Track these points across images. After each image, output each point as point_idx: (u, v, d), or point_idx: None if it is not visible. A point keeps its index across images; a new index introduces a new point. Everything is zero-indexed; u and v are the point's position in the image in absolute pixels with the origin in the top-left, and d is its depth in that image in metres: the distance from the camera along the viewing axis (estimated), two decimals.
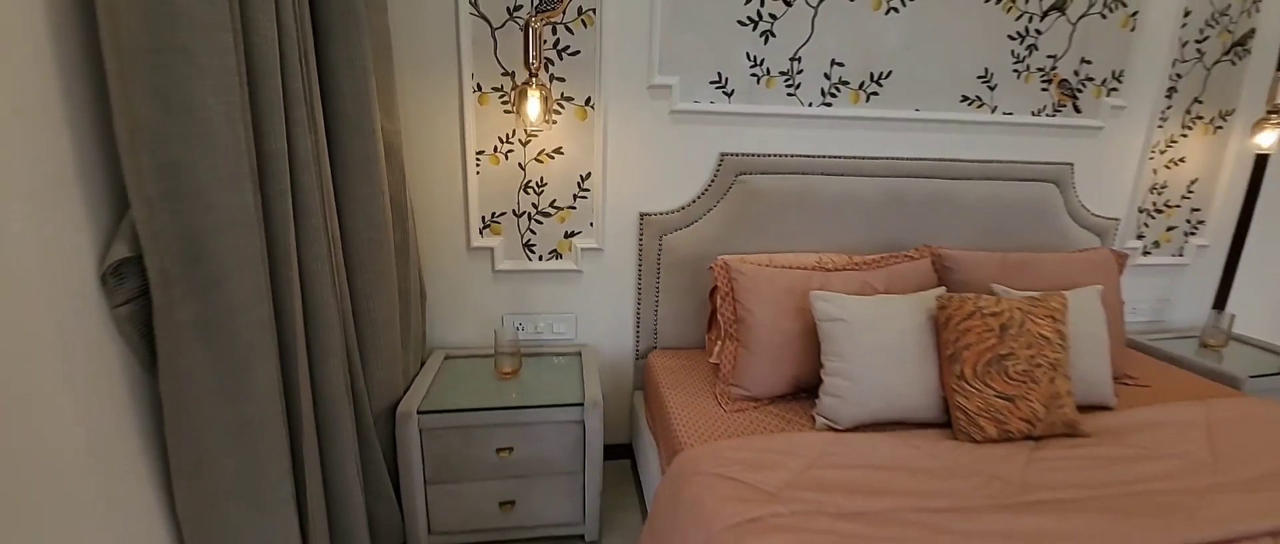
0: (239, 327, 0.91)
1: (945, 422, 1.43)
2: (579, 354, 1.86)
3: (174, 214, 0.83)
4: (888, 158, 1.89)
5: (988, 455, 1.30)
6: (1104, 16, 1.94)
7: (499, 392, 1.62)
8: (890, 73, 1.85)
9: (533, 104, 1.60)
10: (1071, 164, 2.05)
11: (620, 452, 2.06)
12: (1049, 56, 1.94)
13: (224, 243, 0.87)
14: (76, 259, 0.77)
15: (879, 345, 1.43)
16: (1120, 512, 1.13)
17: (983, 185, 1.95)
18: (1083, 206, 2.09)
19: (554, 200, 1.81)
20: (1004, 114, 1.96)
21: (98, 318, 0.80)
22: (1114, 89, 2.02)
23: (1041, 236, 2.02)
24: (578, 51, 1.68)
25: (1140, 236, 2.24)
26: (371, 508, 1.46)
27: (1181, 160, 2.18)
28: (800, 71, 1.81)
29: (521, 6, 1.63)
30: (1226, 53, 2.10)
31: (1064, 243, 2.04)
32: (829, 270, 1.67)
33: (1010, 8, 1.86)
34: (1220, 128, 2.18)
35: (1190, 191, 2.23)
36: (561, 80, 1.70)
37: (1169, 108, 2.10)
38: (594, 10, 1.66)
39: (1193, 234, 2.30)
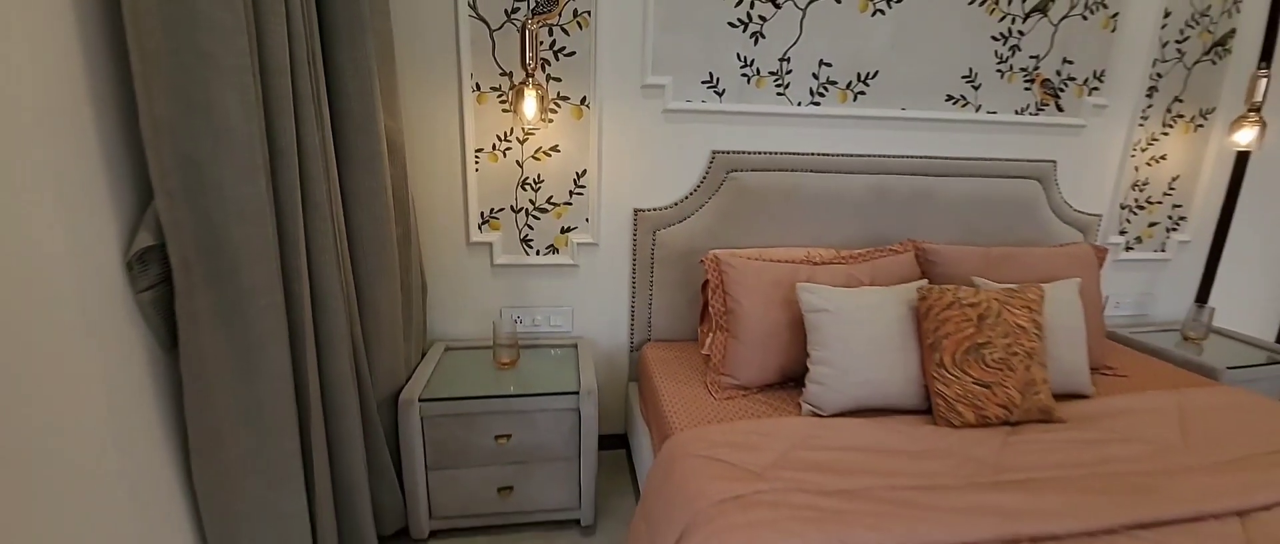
0: (253, 312, 0.97)
1: (926, 408, 1.49)
2: (575, 346, 1.92)
3: (193, 206, 0.89)
4: (874, 156, 1.95)
5: (964, 439, 1.36)
6: (1085, 18, 2.00)
7: (497, 381, 1.68)
8: (877, 73, 1.91)
9: (529, 103, 1.65)
10: (1054, 161, 2.10)
11: (616, 442, 2.12)
12: (1032, 57, 2.00)
13: (239, 233, 0.93)
14: (103, 247, 0.83)
15: (862, 335, 1.49)
16: (1089, 490, 1.19)
17: (967, 182, 2.01)
18: (1065, 203, 2.15)
19: (551, 197, 1.87)
20: (988, 113, 2.01)
21: (122, 302, 0.86)
22: (1095, 88, 2.08)
23: (1025, 232, 2.08)
24: (573, 52, 1.74)
25: (1122, 232, 2.29)
26: (375, 492, 1.52)
27: (1162, 158, 2.24)
28: (789, 72, 1.86)
29: (518, 9, 1.69)
30: (1207, 52, 2.16)
31: (1047, 238, 2.10)
32: (816, 264, 1.73)
33: (993, 9, 1.92)
34: (1201, 126, 2.24)
35: (1171, 188, 2.29)
36: (558, 80, 1.76)
37: (1149, 106, 2.15)
38: (589, 12, 1.71)
39: (1174, 230, 2.35)
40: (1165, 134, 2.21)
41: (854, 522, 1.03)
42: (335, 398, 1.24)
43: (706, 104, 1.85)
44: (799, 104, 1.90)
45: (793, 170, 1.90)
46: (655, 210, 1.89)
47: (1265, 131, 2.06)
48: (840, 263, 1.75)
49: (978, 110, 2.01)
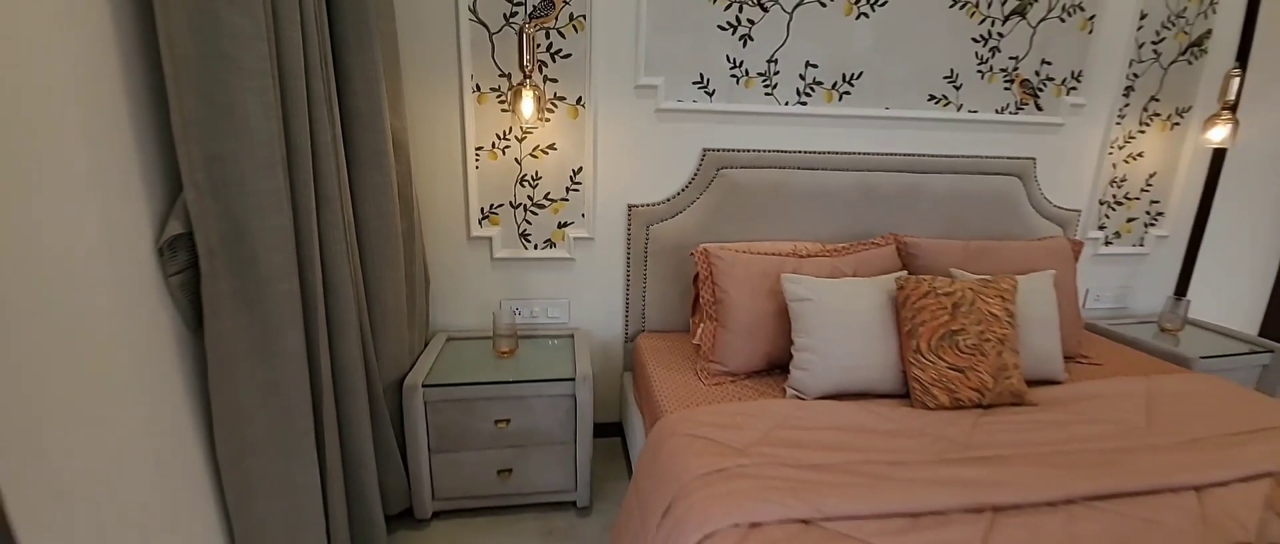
0: (271, 297, 1.05)
1: (904, 392, 1.57)
2: (572, 337, 2.00)
3: (218, 198, 0.97)
4: (860, 153, 2.03)
5: (938, 420, 1.44)
6: (1063, 20, 2.07)
7: (497, 368, 1.76)
8: (861, 73, 1.99)
9: (527, 103, 1.73)
10: (1033, 159, 2.18)
11: (611, 430, 2.20)
12: (1011, 58, 2.07)
13: (259, 224, 1.01)
14: (137, 234, 0.91)
15: (843, 323, 1.57)
16: (1052, 465, 1.27)
17: (949, 179, 2.09)
18: (1045, 199, 2.23)
19: (548, 193, 1.95)
20: (969, 112, 2.09)
21: (154, 285, 0.94)
22: (1073, 88, 2.16)
23: (1005, 227, 2.16)
24: (569, 54, 1.82)
25: (1101, 228, 2.37)
26: (381, 473, 1.60)
27: (1140, 155, 2.31)
28: (777, 73, 1.94)
29: (516, 12, 1.77)
30: (1183, 53, 2.24)
31: (1028, 233, 2.18)
32: (802, 257, 1.81)
33: (974, 12, 2.00)
34: (1177, 124, 2.32)
35: (1149, 185, 2.37)
36: (554, 81, 1.84)
37: (1126, 105, 2.23)
38: (584, 16, 1.79)
39: (1152, 225, 2.43)
40: (1142, 132, 2.29)
41: (828, 491, 1.11)
42: (345, 380, 1.32)
43: (697, 104, 1.92)
44: (786, 104, 1.98)
45: (781, 167, 1.98)
46: (648, 206, 1.97)
47: (1238, 129, 2.14)
48: (825, 256, 1.83)
49: (959, 109, 2.09)
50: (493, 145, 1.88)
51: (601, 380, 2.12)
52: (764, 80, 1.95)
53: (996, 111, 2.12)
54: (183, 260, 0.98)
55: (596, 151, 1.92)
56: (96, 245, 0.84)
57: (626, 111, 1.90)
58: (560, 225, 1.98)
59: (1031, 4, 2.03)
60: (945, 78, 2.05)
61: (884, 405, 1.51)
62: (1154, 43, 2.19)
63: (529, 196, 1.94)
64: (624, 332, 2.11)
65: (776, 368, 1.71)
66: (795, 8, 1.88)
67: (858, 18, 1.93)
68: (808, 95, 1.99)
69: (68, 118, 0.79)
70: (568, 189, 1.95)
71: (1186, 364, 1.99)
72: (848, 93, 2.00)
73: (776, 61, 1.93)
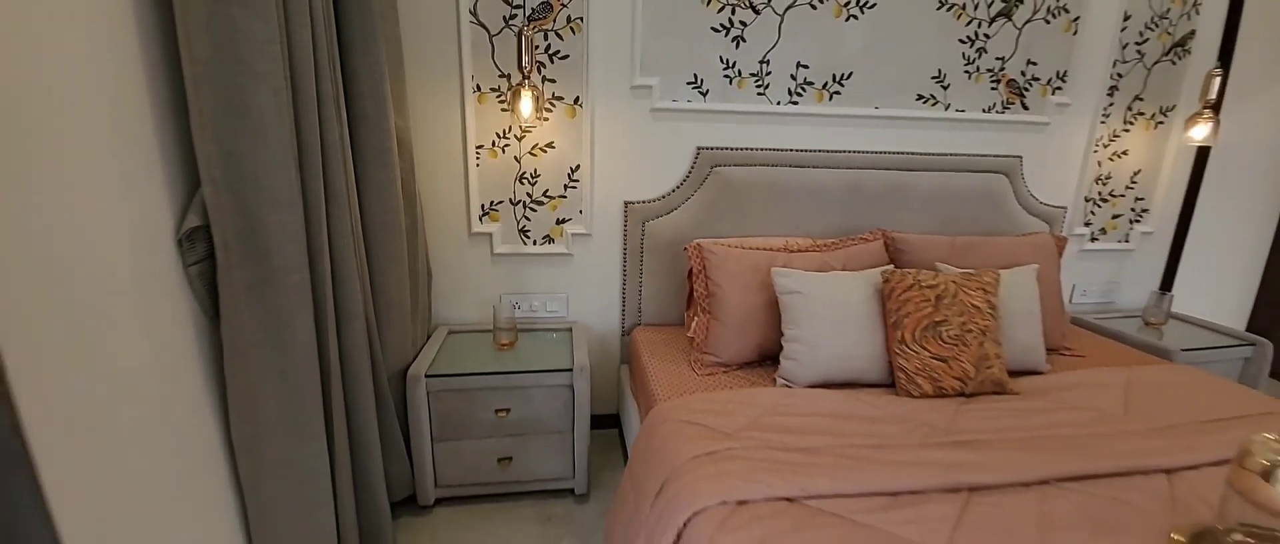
0: (283, 288, 1.11)
1: (889, 382, 1.63)
2: (570, 330, 2.06)
3: (233, 193, 1.03)
4: (850, 151, 2.09)
5: (921, 407, 1.50)
6: (1048, 21, 2.13)
7: (497, 360, 1.81)
8: (851, 74, 2.05)
9: (526, 103, 1.79)
10: (1020, 157, 2.24)
11: (609, 422, 2.26)
12: (997, 58, 2.13)
13: (272, 218, 1.07)
14: (158, 225, 0.97)
15: (831, 315, 1.62)
16: (1028, 449, 1.32)
17: (938, 176, 2.15)
18: (1032, 196, 2.28)
19: (547, 190, 2.00)
20: (956, 111, 2.15)
21: (173, 274, 1.00)
22: (1058, 88, 2.22)
23: (993, 223, 2.21)
24: (567, 55, 1.88)
25: (1087, 224, 2.43)
26: (385, 460, 1.65)
27: (1124, 153, 2.37)
28: (769, 73, 2.00)
29: (516, 15, 1.82)
30: (1166, 53, 2.29)
31: (1014, 229, 2.24)
32: (793, 251, 1.87)
33: (960, 14, 2.05)
34: (1161, 123, 2.37)
35: (1134, 182, 2.43)
36: (552, 81, 1.90)
37: (1111, 105, 2.29)
38: (581, 18, 1.85)
39: (1137, 222, 2.49)
40: (1126, 130, 2.34)
41: (811, 472, 1.17)
42: (352, 369, 1.38)
43: (691, 103, 1.98)
44: (778, 103, 2.04)
45: (773, 165, 2.04)
46: (644, 203, 2.03)
47: (1219, 127, 2.19)
48: (815, 251, 1.89)
49: (947, 109, 2.15)
50: (493, 144, 1.93)
51: (599, 373, 2.18)
52: (756, 81, 2.00)
53: (983, 111, 2.18)
54: (200, 251, 1.03)
55: (594, 150, 1.97)
56: (122, 236, 0.89)
57: (623, 111, 1.96)
58: (558, 222, 2.04)
59: (1017, 6, 2.09)
60: (933, 78, 2.10)
61: (870, 394, 1.57)
62: (1137, 43, 2.24)
63: (528, 194, 2.00)
64: (621, 325, 2.17)
65: (767, 359, 1.77)
66: (786, 10, 1.94)
67: (847, 20, 1.99)
68: (799, 95, 2.04)
69: (98, 117, 0.85)
70: (566, 186, 2.01)
71: (1168, 356, 2.05)
72: (838, 93, 2.06)
73: (768, 62, 1.99)
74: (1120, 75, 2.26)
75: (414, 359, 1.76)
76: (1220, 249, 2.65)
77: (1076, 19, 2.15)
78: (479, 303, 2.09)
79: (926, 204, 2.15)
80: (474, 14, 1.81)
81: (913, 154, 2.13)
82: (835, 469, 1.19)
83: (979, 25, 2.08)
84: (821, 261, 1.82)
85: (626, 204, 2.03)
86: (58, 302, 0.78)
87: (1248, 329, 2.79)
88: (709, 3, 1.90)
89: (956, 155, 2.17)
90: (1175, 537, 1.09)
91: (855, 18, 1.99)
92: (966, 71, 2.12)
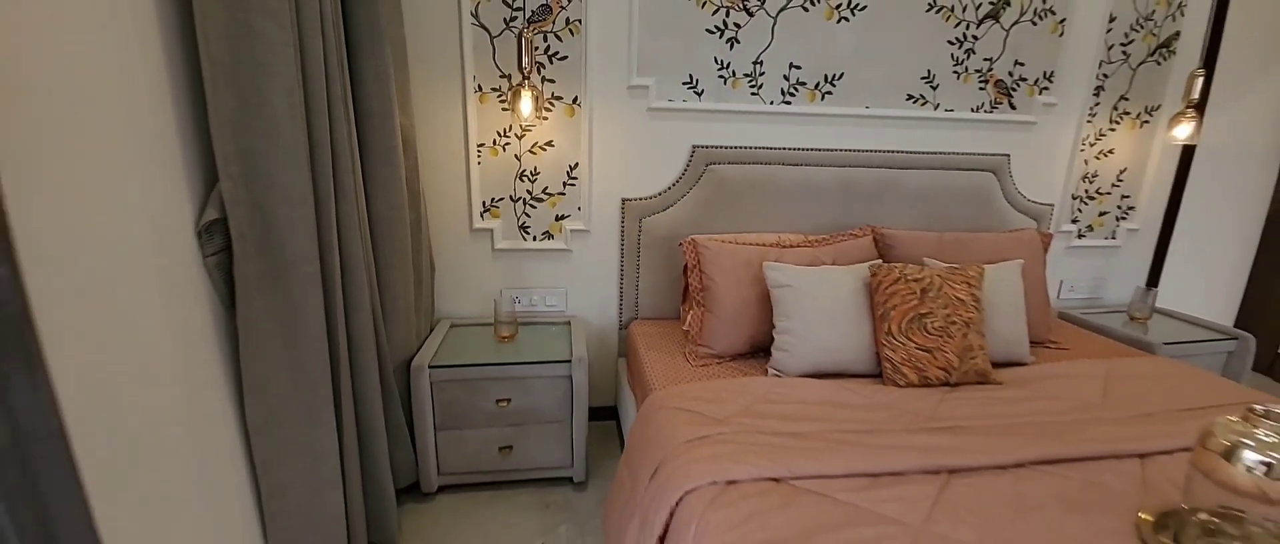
0: (295, 279, 1.17)
1: (877, 372, 1.68)
2: (569, 324, 2.12)
3: (249, 188, 1.08)
4: (841, 150, 2.14)
5: (906, 396, 1.55)
6: (1034, 23, 2.19)
7: (498, 351, 1.87)
8: (842, 74, 2.10)
9: (526, 103, 1.85)
10: (1008, 155, 2.29)
11: (607, 414, 2.32)
12: (986, 59, 2.19)
13: (285, 212, 1.13)
14: (179, 218, 1.03)
15: (820, 308, 1.68)
16: (1007, 434, 1.38)
17: (927, 174, 2.20)
18: (1019, 193, 2.34)
19: (546, 187, 2.06)
20: (945, 110, 2.21)
21: (193, 264, 1.06)
22: (1045, 88, 2.27)
23: (981, 220, 2.27)
24: (566, 56, 1.94)
25: (1074, 221, 2.48)
26: (391, 449, 1.71)
27: (1110, 152, 2.43)
28: (762, 73, 2.06)
29: (516, 17, 1.88)
30: (1151, 54, 2.35)
31: (1002, 226, 2.29)
32: (785, 247, 1.93)
33: (949, 16, 2.11)
34: (1146, 122, 2.43)
35: (1120, 180, 2.48)
36: (552, 82, 1.96)
37: (1097, 104, 2.34)
38: (580, 20, 1.91)
39: (1124, 219, 2.54)
40: (1113, 130, 2.40)
41: (797, 455, 1.23)
42: (359, 358, 1.44)
43: (687, 103, 2.04)
44: (771, 103, 2.09)
45: (766, 163, 2.10)
46: (641, 200, 2.09)
47: (1202, 126, 2.25)
48: (807, 246, 1.95)
49: (936, 108, 2.20)
50: (494, 142, 1.99)
51: (597, 366, 2.24)
52: (750, 81, 2.06)
53: (972, 110, 2.23)
54: (218, 243, 1.09)
55: (592, 148, 2.03)
56: (144, 227, 0.95)
57: (620, 110, 2.02)
58: (558, 218, 2.10)
59: (1005, 8, 2.14)
60: (923, 78, 2.16)
61: (857, 383, 1.63)
62: (1123, 45, 2.30)
63: (528, 191, 2.06)
64: (618, 319, 2.22)
65: (759, 350, 1.83)
66: (779, 12, 2.00)
67: (839, 22, 2.04)
68: (792, 95, 2.10)
69: (125, 116, 0.91)
70: (565, 184, 2.06)
71: (1150, 349, 2.10)
72: (830, 93, 2.12)
73: (762, 63, 2.04)
74: (1106, 76, 2.31)
75: (418, 350, 1.82)
76: (1207, 246, 2.71)
77: (1063, 21, 2.20)
78: (480, 297, 2.15)
79: (916, 201, 2.20)
80: (475, 16, 1.86)
81: (903, 152, 2.19)
82: (821, 452, 1.25)
83: (967, 27, 2.14)
84: (812, 257, 1.87)
85: (624, 201, 2.09)
86: (88, 288, 0.83)
87: (1236, 325, 2.85)
88: (704, 5, 1.95)
89: (946, 154, 2.23)
90: (1143, 516, 1.15)
91: (846, 20, 2.05)
92: (955, 72, 2.18)
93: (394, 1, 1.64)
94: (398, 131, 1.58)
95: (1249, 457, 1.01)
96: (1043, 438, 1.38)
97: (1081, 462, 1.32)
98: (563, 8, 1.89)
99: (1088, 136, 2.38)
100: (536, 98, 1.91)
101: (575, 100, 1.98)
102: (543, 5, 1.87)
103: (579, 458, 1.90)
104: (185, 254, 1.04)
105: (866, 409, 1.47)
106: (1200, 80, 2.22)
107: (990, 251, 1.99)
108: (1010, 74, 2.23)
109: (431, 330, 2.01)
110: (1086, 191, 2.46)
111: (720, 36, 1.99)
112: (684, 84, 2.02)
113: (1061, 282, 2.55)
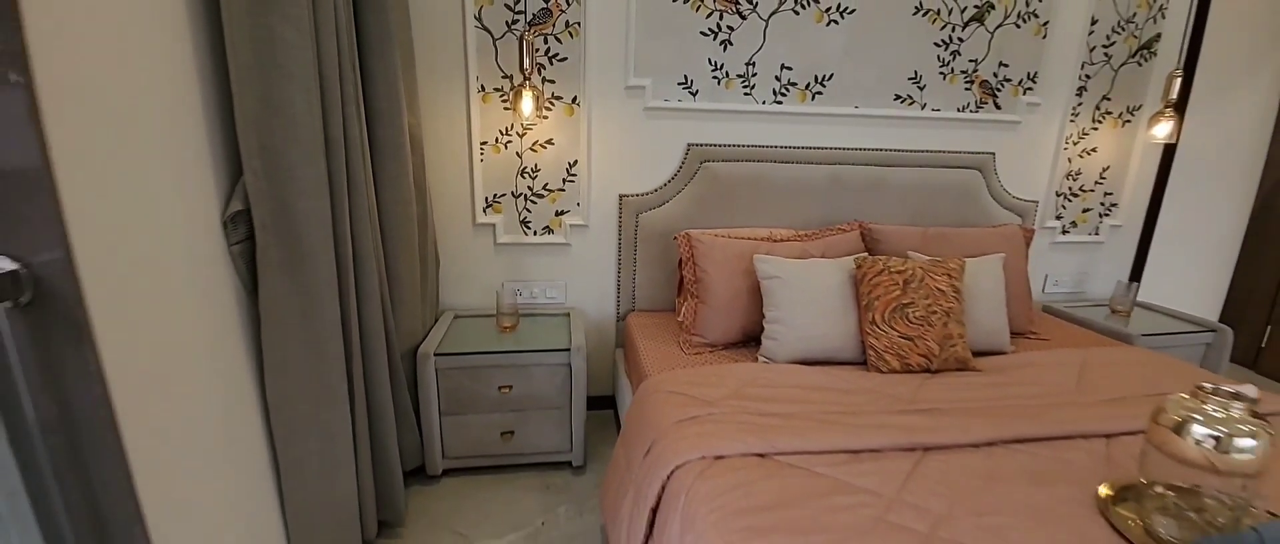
0: (311, 267, 1.25)
1: (861, 359, 1.76)
2: (568, 315, 2.20)
3: (270, 182, 1.17)
4: (831, 148, 2.22)
5: (889, 381, 1.63)
6: (1018, 26, 2.26)
7: (500, 341, 1.95)
8: (832, 75, 2.18)
9: (527, 102, 1.93)
10: (993, 153, 2.37)
11: (604, 403, 2.40)
12: (971, 61, 2.27)
13: (303, 205, 1.21)
14: (207, 208, 1.11)
15: (808, 298, 1.76)
16: (982, 415, 1.46)
17: (914, 172, 2.28)
18: (1005, 190, 2.42)
19: (546, 184, 2.14)
20: (932, 110, 2.29)
21: (219, 251, 1.14)
22: (1029, 88, 2.35)
23: (967, 216, 2.35)
24: (565, 58, 2.02)
25: (1058, 217, 2.56)
26: (398, 432, 1.79)
27: (1093, 150, 2.50)
28: (755, 74, 2.14)
29: (517, 20, 1.96)
30: (1133, 55, 2.43)
31: (988, 222, 2.37)
32: (776, 241, 2.01)
33: (935, 19, 2.19)
34: (1128, 122, 2.51)
35: (1103, 178, 2.56)
36: (552, 82, 2.04)
37: (1080, 104, 2.42)
38: (579, 23, 1.99)
39: (1107, 215, 2.62)
40: (1095, 129, 2.48)
41: (782, 433, 1.31)
42: (370, 344, 1.52)
43: (682, 103, 2.12)
44: (764, 103, 2.17)
45: (758, 161, 2.18)
46: (638, 196, 2.17)
47: (1182, 126, 2.32)
48: (797, 240, 2.03)
49: (923, 108, 2.28)
50: (496, 140, 2.07)
51: (595, 356, 2.32)
52: (743, 81, 2.14)
53: (958, 110, 2.31)
54: (242, 232, 1.17)
55: (590, 146, 2.11)
56: (175, 217, 1.03)
57: (617, 110, 2.10)
58: (557, 213, 2.18)
59: (989, 11, 2.22)
60: (910, 79, 2.24)
61: (842, 369, 1.71)
62: (1105, 46, 2.37)
63: (529, 187, 2.14)
64: (616, 311, 2.31)
65: (750, 339, 1.91)
66: (771, 15, 2.08)
67: (828, 24, 2.12)
68: (783, 95, 2.18)
69: (162, 116, 0.99)
70: (564, 180, 2.15)
71: (1128, 340, 2.18)
72: (820, 93, 2.20)
73: (754, 64, 2.12)
74: (1088, 76, 2.39)
75: (423, 339, 1.91)
76: (1192, 242, 2.78)
77: (1046, 23, 2.28)
78: (483, 290, 2.23)
79: (903, 198, 2.28)
80: (479, 19, 1.94)
81: (891, 151, 2.27)
82: (805, 431, 1.33)
83: (953, 29, 2.21)
84: (801, 250, 1.95)
85: (621, 197, 2.17)
86: (131, 273, 0.92)
87: (1221, 319, 2.93)
88: (698, 8, 2.03)
89: (932, 152, 2.30)
90: (1103, 490, 1.23)
91: (836, 22, 2.12)
92: (941, 73, 2.25)
93: (402, 5, 1.72)
94: (405, 130, 1.66)
95: (1198, 430, 1.08)
96: (1016, 419, 1.45)
97: (1050, 441, 1.40)
98: (562, 11, 1.97)
99: (1071, 135, 2.45)
100: (537, 97, 1.99)
101: (574, 100, 2.06)
102: (543, 9, 1.96)
103: (578, 442, 1.98)
104: (213, 242, 1.12)
105: (849, 393, 1.55)
106: (1178, 81, 2.30)
107: (973, 246, 2.07)
108: (995, 75, 2.30)
109: (436, 321, 2.09)
110: (1070, 189, 2.54)
111: (714, 38, 2.07)
112: (679, 84, 2.10)
113: (1046, 276, 2.63)
